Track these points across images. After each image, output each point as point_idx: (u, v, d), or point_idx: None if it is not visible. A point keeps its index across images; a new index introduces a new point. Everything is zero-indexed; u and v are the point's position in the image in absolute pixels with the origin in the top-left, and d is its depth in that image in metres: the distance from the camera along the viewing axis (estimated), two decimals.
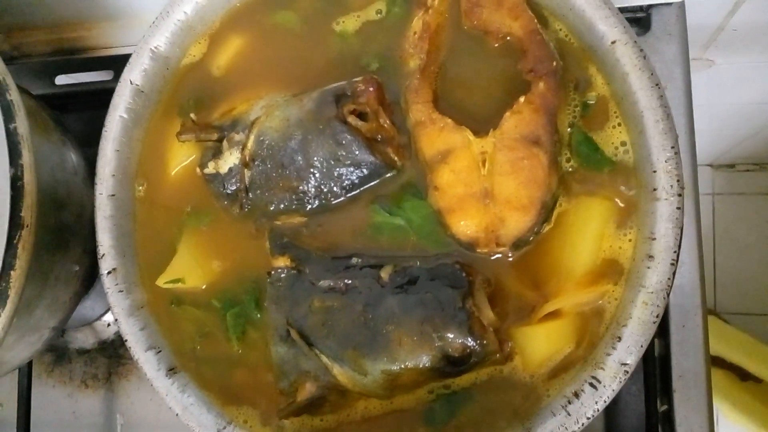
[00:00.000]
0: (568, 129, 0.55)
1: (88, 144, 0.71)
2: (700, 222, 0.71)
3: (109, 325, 0.83)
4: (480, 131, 0.54)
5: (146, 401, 0.80)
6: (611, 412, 0.71)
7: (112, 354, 0.82)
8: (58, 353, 0.83)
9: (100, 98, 0.78)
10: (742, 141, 1.62)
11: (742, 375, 1.50)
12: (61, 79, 0.83)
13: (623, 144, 0.54)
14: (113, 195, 0.60)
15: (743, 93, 1.31)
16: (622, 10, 0.69)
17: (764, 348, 1.51)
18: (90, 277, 0.73)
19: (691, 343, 0.69)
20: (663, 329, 0.69)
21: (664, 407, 0.69)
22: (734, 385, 1.48)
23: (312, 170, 0.57)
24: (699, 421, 0.68)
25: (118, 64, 0.80)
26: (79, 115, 0.85)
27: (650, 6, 0.72)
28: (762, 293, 1.71)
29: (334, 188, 0.57)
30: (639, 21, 0.73)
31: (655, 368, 0.69)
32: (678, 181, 0.50)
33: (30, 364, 0.76)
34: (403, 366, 0.53)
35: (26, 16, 0.80)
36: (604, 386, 0.50)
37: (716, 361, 1.54)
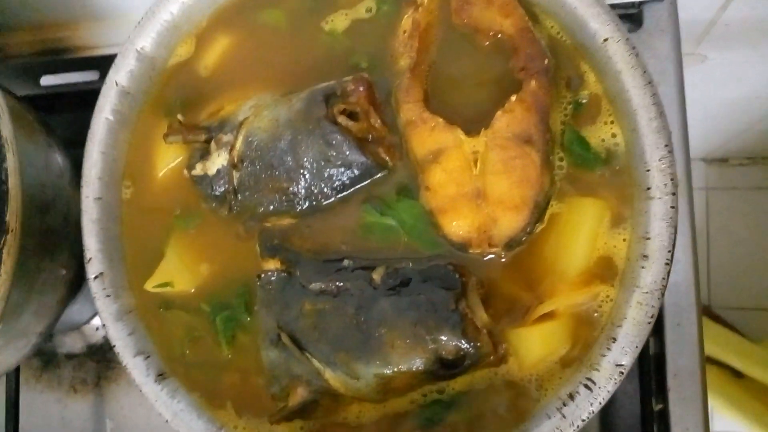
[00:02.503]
0: (561, 128, 0.54)
1: (74, 145, 0.70)
2: (695, 219, 0.70)
3: (97, 329, 0.82)
4: (471, 130, 0.54)
5: (136, 406, 0.79)
6: (606, 410, 0.70)
7: (101, 358, 0.81)
8: (46, 358, 0.82)
9: (85, 99, 0.76)
10: (735, 135, 1.63)
11: (737, 372, 1.51)
12: (47, 80, 0.82)
13: (616, 143, 0.54)
14: (100, 198, 0.59)
15: (736, 87, 1.31)
16: (614, 6, 0.69)
17: (752, 347, 1.51)
18: (77, 281, 0.72)
19: (686, 342, 0.68)
20: (658, 328, 0.69)
21: (660, 406, 0.69)
22: (728, 382, 1.49)
23: (302, 171, 0.56)
24: (694, 419, 0.68)
25: (104, 64, 0.78)
26: (64, 116, 0.83)
27: (642, 2, 0.71)
28: (756, 288, 1.71)
29: (325, 189, 0.57)
30: (631, 17, 0.72)
31: (650, 367, 0.69)
32: (672, 179, 0.49)
33: (18, 369, 0.75)
34: (396, 369, 0.52)
35: (10, 17, 0.79)
36: (599, 387, 0.49)
37: (709, 359, 1.55)
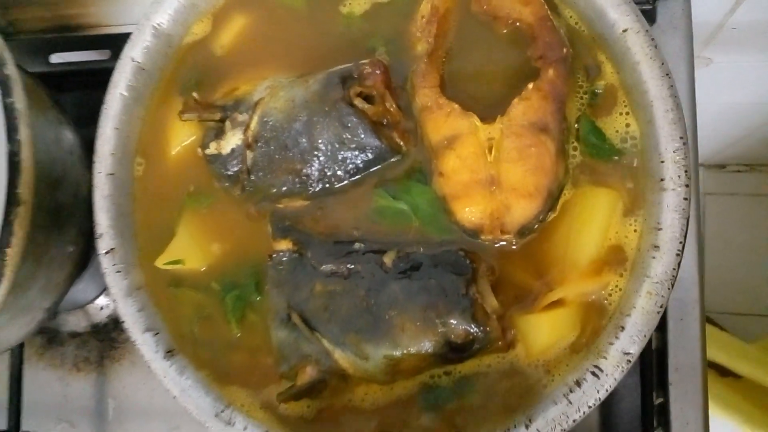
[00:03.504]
0: (576, 117, 0.55)
1: (84, 124, 0.70)
2: (700, 217, 0.71)
3: (101, 308, 0.82)
4: (487, 117, 0.54)
5: (138, 385, 0.79)
6: (608, 403, 0.71)
7: (105, 337, 0.81)
8: (49, 336, 0.82)
9: (96, 78, 0.76)
10: (735, 141, 1.64)
11: (722, 371, 1.52)
12: (56, 58, 0.81)
13: (631, 134, 0.54)
14: (112, 174, 0.59)
15: (739, 92, 1.32)
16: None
17: (741, 345, 1.52)
18: (84, 260, 0.72)
19: (689, 337, 0.69)
20: (661, 323, 0.69)
21: (660, 400, 0.69)
22: (715, 381, 1.49)
23: (316, 153, 0.56)
24: (694, 414, 0.68)
25: (115, 43, 0.79)
26: (74, 95, 0.83)
27: None
28: (751, 293, 1.72)
29: (338, 172, 0.57)
30: (645, 13, 0.72)
31: (651, 361, 0.69)
32: (686, 171, 0.50)
33: (21, 346, 0.75)
34: (405, 351, 0.52)
35: None
36: (606, 375, 0.50)
37: None
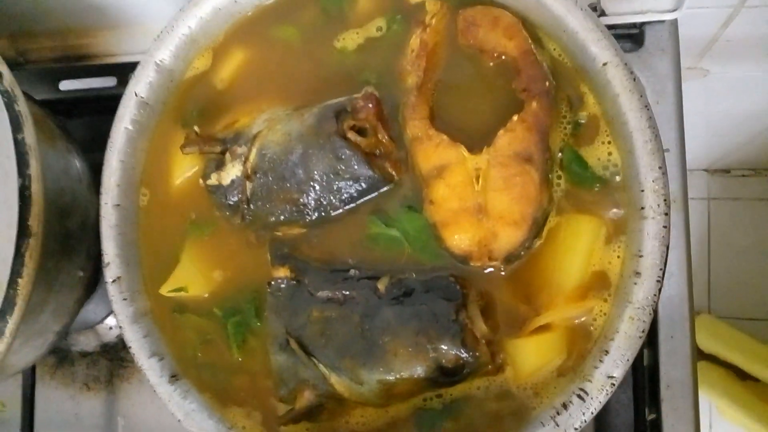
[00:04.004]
0: (560, 147, 0.57)
1: (92, 150, 0.72)
2: (690, 234, 0.73)
3: (111, 328, 0.85)
4: (474, 148, 0.56)
5: (147, 404, 0.81)
6: (601, 420, 0.72)
7: (114, 357, 0.84)
8: (60, 356, 0.85)
9: (102, 104, 0.80)
10: (738, 147, 1.64)
11: (742, 374, 1.52)
12: (65, 85, 0.85)
13: (613, 163, 0.56)
14: (118, 204, 0.62)
15: (737, 101, 1.33)
16: (616, 26, 0.71)
17: (757, 345, 1.52)
18: (93, 282, 0.75)
19: (679, 354, 0.71)
20: (652, 340, 0.71)
21: (653, 416, 0.71)
22: (732, 383, 1.50)
23: (312, 183, 0.58)
24: (686, 429, 0.70)
25: (121, 71, 0.82)
26: (82, 120, 0.86)
27: (643, 23, 0.73)
28: (756, 298, 1.73)
29: (333, 201, 0.59)
30: (632, 37, 0.74)
31: (643, 378, 0.71)
32: (665, 200, 0.52)
33: (34, 366, 0.77)
34: (398, 376, 0.54)
35: (32, 23, 0.81)
36: (592, 398, 0.52)
37: (714, 359, 1.56)
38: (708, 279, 1.77)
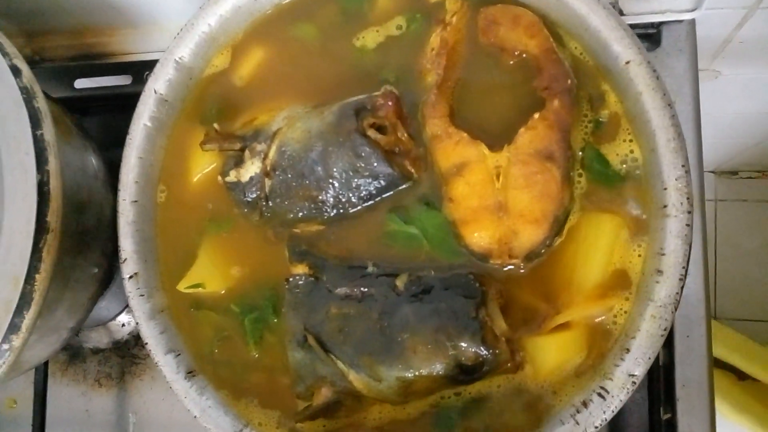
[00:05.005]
0: (581, 145, 0.57)
1: (107, 147, 0.73)
2: (707, 234, 0.72)
3: (123, 325, 0.85)
4: (495, 146, 0.56)
5: (159, 401, 0.81)
6: (615, 419, 0.71)
7: (126, 354, 0.84)
8: (72, 352, 0.85)
9: (118, 102, 0.80)
10: (746, 149, 1.64)
11: (740, 375, 1.51)
12: (81, 83, 0.85)
13: (634, 161, 0.56)
14: (136, 201, 0.62)
15: (748, 103, 1.33)
16: (634, 26, 0.71)
17: (760, 349, 1.52)
18: (107, 279, 0.75)
19: (695, 353, 0.70)
20: (668, 339, 0.70)
21: (668, 415, 0.71)
22: (733, 385, 1.49)
23: (331, 180, 0.58)
24: (701, 429, 0.70)
25: (135, 69, 0.82)
26: (97, 118, 0.87)
27: (661, 23, 0.73)
28: (763, 300, 1.73)
29: (352, 198, 0.59)
30: (650, 37, 0.74)
31: (659, 377, 0.71)
32: (688, 198, 0.51)
33: (46, 363, 0.77)
34: (417, 373, 0.54)
35: (49, 22, 0.81)
36: (612, 396, 0.52)
37: (714, 362, 1.56)
38: (714, 280, 1.77)
